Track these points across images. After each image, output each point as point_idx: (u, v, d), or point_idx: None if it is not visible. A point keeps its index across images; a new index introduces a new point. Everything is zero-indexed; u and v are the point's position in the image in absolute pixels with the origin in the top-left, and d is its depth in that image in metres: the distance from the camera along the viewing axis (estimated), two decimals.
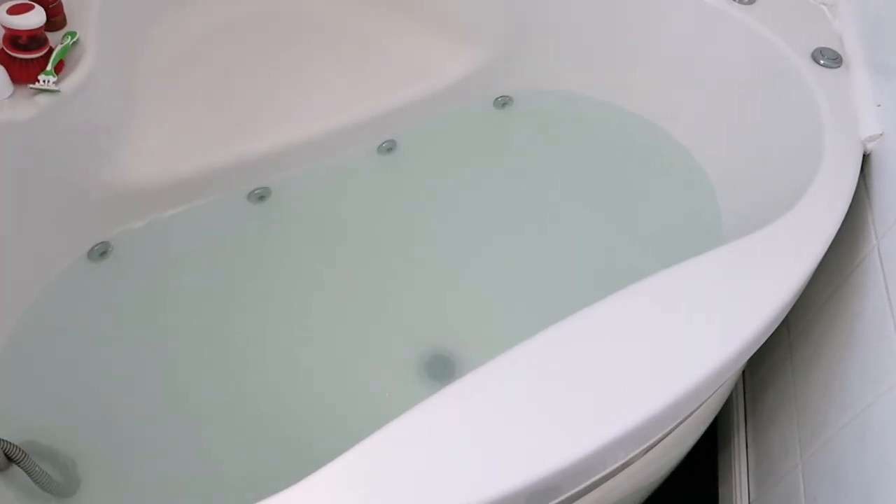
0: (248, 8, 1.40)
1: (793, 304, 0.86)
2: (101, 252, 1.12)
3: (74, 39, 1.02)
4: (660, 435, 0.80)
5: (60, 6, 1.03)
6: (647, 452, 0.90)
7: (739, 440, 1.22)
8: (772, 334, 0.86)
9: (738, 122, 1.23)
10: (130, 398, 1.02)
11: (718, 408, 1.11)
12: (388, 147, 1.30)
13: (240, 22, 1.38)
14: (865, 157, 1.00)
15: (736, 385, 1.28)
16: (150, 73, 1.23)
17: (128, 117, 1.14)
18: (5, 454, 0.84)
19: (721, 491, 1.24)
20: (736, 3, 1.20)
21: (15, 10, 0.93)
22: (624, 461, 0.78)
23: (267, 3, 1.41)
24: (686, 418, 0.90)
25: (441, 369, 1.07)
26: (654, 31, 1.30)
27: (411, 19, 1.40)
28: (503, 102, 1.40)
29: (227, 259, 1.16)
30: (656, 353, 0.75)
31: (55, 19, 1.02)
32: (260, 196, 1.22)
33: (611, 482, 0.88)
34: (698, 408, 0.91)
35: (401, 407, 0.69)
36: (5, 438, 0.85)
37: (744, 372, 1.29)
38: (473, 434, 0.68)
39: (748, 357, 0.85)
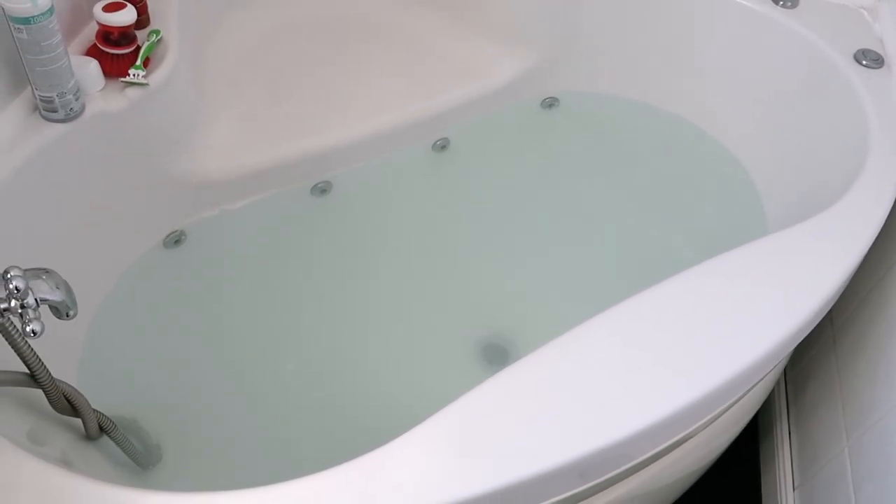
0: (307, 10, 1.46)
1: (839, 294, 0.90)
2: (175, 240, 1.18)
3: (159, 37, 1.08)
4: (706, 419, 0.84)
5: (146, 5, 1.10)
6: (693, 437, 0.94)
7: (782, 428, 1.25)
8: (815, 326, 0.89)
9: (782, 123, 1.28)
10: (204, 377, 1.07)
11: (764, 397, 1.14)
12: (442, 144, 1.36)
13: (300, 23, 1.44)
14: None
15: (778, 376, 1.32)
16: (219, 71, 1.30)
17: (201, 112, 1.21)
18: (98, 425, 0.89)
19: (764, 478, 1.27)
20: (779, 8, 1.25)
21: (109, 9, 1.00)
22: (671, 443, 0.82)
23: (325, 6, 1.48)
24: (732, 405, 0.94)
25: (497, 355, 1.12)
26: (699, 35, 1.35)
27: (463, 22, 1.46)
28: (550, 104, 1.45)
29: (291, 248, 1.21)
30: (703, 339, 0.79)
31: (141, 18, 1.08)
32: (322, 189, 1.28)
33: (657, 465, 0.92)
34: (744, 395, 0.95)
35: (459, 389, 0.74)
36: (98, 410, 0.90)
37: (785, 364, 1.33)
38: (540, 406, 0.73)
39: (794, 346, 0.89)
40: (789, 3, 1.25)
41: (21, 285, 0.59)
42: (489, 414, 0.72)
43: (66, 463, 0.78)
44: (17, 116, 0.95)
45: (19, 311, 0.60)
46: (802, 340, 1.02)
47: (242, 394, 1.06)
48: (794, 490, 1.17)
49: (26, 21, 0.85)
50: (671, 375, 0.76)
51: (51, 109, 0.94)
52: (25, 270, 0.62)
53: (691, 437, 0.92)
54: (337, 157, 1.28)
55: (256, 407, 1.05)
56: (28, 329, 0.60)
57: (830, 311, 1.17)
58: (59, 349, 1.01)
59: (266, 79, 1.33)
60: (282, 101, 1.30)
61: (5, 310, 0.60)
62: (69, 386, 0.81)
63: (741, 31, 1.30)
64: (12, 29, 0.86)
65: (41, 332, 0.61)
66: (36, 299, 0.61)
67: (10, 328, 0.70)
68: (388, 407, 1.06)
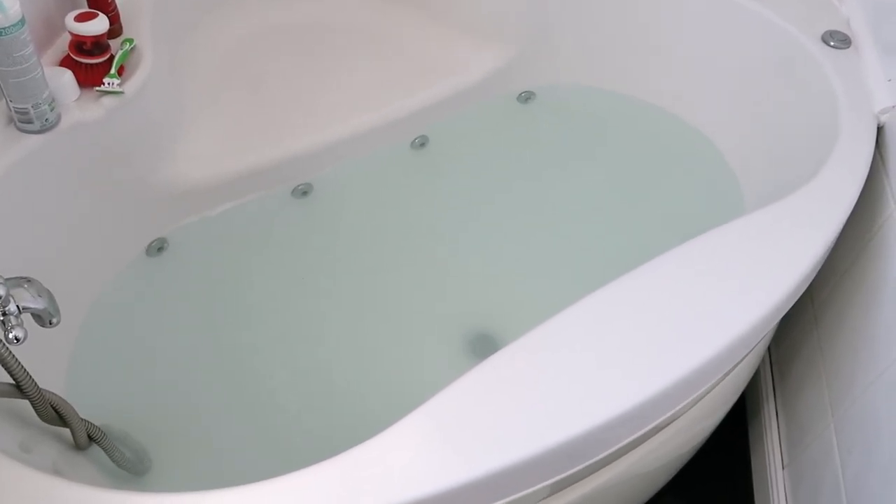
0: (281, 15, 1.47)
1: (816, 271, 0.91)
2: (158, 248, 1.18)
3: (132, 45, 1.08)
4: (691, 399, 0.86)
5: (118, 15, 1.09)
6: (679, 418, 0.95)
7: (769, 409, 1.27)
8: (796, 306, 0.91)
9: (754, 106, 1.29)
10: (192, 382, 1.07)
11: (747, 379, 1.16)
12: (421, 142, 1.37)
13: (275, 28, 1.45)
14: (880, 130, 1.06)
15: (763, 357, 1.33)
16: (195, 77, 1.30)
17: (179, 119, 1.21)
18: (87, 434, 0.89)
19: (753, 459, 1.29)
20: None
21: (81, 18, 1.00)
22: (657, 424, 0.83)
23: (300, 11, 1.48)
24: (714, 385, 0.95)
25: (484, 346, 1.13)
26: (669, 23, 1.37)
27: (436, 20, 1.47)
28: (526, 97, 1.46)
29: (274, 251, 1.22)
30: (684, 319, 0.80)
31: (114, 27, 1.08)
32: (303, 192, 1.28)
33: (645, 447, 0.93)
34: (726, 376, 0.96)
35: (447, 381, 0.75)
36: (86, 419, 0.90)
37: (769, 346, 1.35)
38: (525, 393, 0.74)
39: (774, 323, 0.90)
40: None
41: (2, 293, 0.59)
42: (475, 403, 0.73)
43: (56, 472, 0.78)
44: None
45: (0, 318, 0.60)
46: (785, 321, 1.03)
47: (231, 399, 1.06)
48: (783, 469, 1.19)
49: None
50: (653, 357, 0.77)
51: (26, 121, 0.94)
52: (7, 279, 0.62)
53: (678, 417, 0.93)
54: (317, 158, 1.28)
55: (245, 411, 1.05)
56: (10, 336, 0.60)
57: (810, 291, 1.19)
58: (46, 360, 1.00)
59: (243, 83, 1.33)
60: (259, 105, 1.30)
61: None
62: (56, 396, 0.81)
63: (710, 18, 1.31)
64: None
65: (24, 339, 0.61)
66: (18, 307, 0.62)
67: None
68: (377, 402, 1.07)
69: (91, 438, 0.91)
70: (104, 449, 0.91)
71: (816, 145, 1.12)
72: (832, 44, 1.16)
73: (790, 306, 0.88)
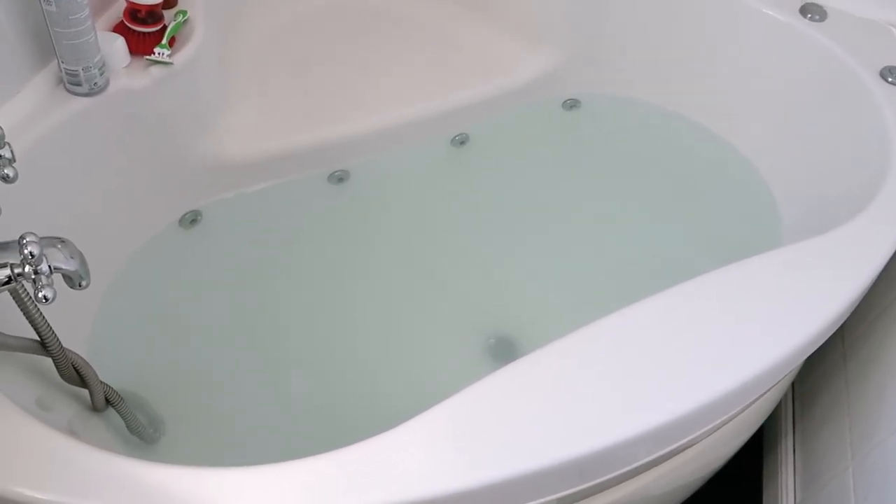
0: (332, 0, 1.47)
1: (850, 311, 0.89)
2: (191, 220, 1.19)
3: (185, 17, 1.09)
4: (708, 428, 0.84)
5: None
6: (694, 445, 0.94)
7: (787, 444, 1.25)
8: (826, 343, 0.89)
9: (802, 135, 1.27)
10: (214, 355, 1.08)
11: (769, 411, 1.14)
12: (461, 140, 1.36)
13: (325, 11, 1.45)
14: None
15: (786, 391, 1.31)
16: (242, 55, 1.31)
17: (223, 95, 1.21)
18: (105, 397, 0.90)
19: (765, 493, 1.27)
20: (806, 20, 1.25)
21: None
22: (672, 449, 0.82)
23: None
24: (735, 415, 0.94)
25: (505, 351, 1.12)
26: (724, 44, 1.34)
27: (486, 18, 1.46)
28: (571, 105, 1.45)
29: (305, 234, 1.22)
30: (712, 346, 0.78)
31: None
32: (339, 178, 1.28)
33: (657, 470, 0.91)
34: (748, 407, 0.95)
35: (465, 382, 0.74)
36: (106, 382, 0.91)
37: (794, 380, 1.32)
38: (541, 404, 0.73)
39: (801, 360, 0.88)
40: (817, 17, 1.24)
41: (35, 251, 0.60)
42: (490, 408, 0.72)
43: (71, 432, 0.79)
44: (42, 88, 0.96)
45: (32, 276, 0.61)
46: (812, 356, 1.01)
47: (250, 375, 1.07)
48: None
49: None
50: (675, 381, 0.75)
51: (75, 83, 0.95)
52: (41, 238, 0.63)
53: (693, 444, 0.92)
54: (355, 146, 1.28)
55: (263, 389, 1.06)
56: (40, 295, 0.61)
57: (842, 329, 1.16)
58: (70, 322, 1.02)
59: (289, 65, 1.34)
60: (303, 88, 1.31)
61: (19, 275, 0.61)
62: (78, 356, 0.83)
63: (767, 42, 1.29)
64: (41, 2, 0.87)
65: (53, 299, 0.61)
66: (50, 266, 0.62)
67: (22, 294, 0.71)
68: (395, 395, 1.07)
69: (108, 402, 0.92)
70: (120, 413, 0.93)
71: (863, 181, 1.09)
72: (890, 80, 1.13)
73: (821, 343, 0.86)
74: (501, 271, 1.21)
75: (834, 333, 0.89)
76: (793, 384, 1.31)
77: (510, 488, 0.70)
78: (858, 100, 1.15)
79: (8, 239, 0.66)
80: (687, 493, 1.16)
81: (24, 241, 0.60)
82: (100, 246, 1.03)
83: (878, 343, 1.05)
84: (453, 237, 1.25)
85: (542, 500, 0.75)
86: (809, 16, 1.25)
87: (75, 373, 0.83)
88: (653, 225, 1.29)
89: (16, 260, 0.62)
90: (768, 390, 0.92)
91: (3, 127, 0.67)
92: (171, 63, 1.03)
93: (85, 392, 0.87)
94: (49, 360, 0.80)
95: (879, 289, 1.09)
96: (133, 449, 0.95)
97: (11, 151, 0.67)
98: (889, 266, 0.96)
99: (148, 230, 1.16)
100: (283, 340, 1.11)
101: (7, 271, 0.62)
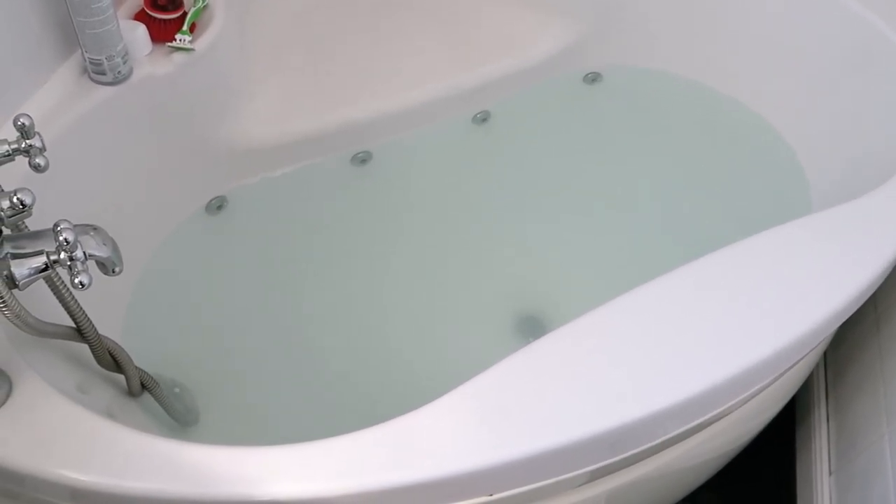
0: None
1: (883, 278, 0.88)
2: (217, 206, 1.20)
3: (205, 3, 1.09)
4: (741, 398, 0.84)
5: None
6: (727, 416, 0.93)
7: (820, 413, 1.24)
8: (858, 310, 0.88)
9: (831, 101, 1.24)
10: (245, 338, 1.09)
11: (802, 380, 1.13)
12: (483, 117, 1.35)
13: None
14: None
15: (817, 360, 1.30)
16: (262, 39, 1.31)
17: (244, 79, 1.22)
18: (141, 382, 0.92)
19: (799, 463, 1.26)
20: None
21: None
22: (704, 420, 0.81)
23: None
24: (768, 385, 0.93)
25: (533, 327, 1.12)
26: (747, 10, 1.32)
27: None
28: (592, 78, 1.43)
29: (331, 216, 1.23)
30: (743, 315, 0.78)
31: None
32: (362, 159, 1.28)
33: (690, 441, 0.91)
34: (781, 376, 0.94)
35: (493, 358, 0.74)
36: (141, 367, 0.92)
37: (826, 349, 1.31)
38: (573, 377, 0.73)
39: (834, 328, 0.87)
40: None
41: (70, 238, 0.60)
42: (521, 383, 0.72)
43: (109, 416, 0.81)
44: (67, 78, 0.97)
45: (68, 263, 0.62)
46: (844, 324, 1.00)
47: (282, 358, 1.08)
48: (830, 475, 1.16)
49: None
50: (705, 352, 0.75)
51: (99, 72, 0.96)
52: (75, 226, 0.64)
53: (726, 415, 0.91)
54: (377, 127, 1.28)
55: (293, 372, 1.07)
56: (76, 281, 0.62)
57: (874, 296, 1.15)
58: (104, 310, 1.03)
59: (308, 48, 1.34)
60: (323, 70, 1.31)
61: (55, 262, 0.62)
62: (113, 342, 0.84)
63: (792, 7, 1.26)
64: None
65: (89, 285, 0.62)
66: (84, 253, 0.63)
67: (58, 282, 0.72)
68: (423, 375, 1.07)
69: (144, 387, 0.93)
70: (156, 397, 0.94)
71: (893, 145, 1.07)
72: None
73: (854, 309, 0.85)
74: (528, 249, 1.21)
75: (867, 300, 0.88)
76: (825, 352, 1.30)
77: (542, 462, 0.70)
78: (887, 62, 1.13)
79: (40, 228, 0.68)
80: (721, 464, 1.16)
81: (59, 229, 0.60)
82: (129, 234, 1.04)
83: None
84: (478, 215, 1.25)
85: (575, 472, 0.76)
86: None
87: (111, 358, 0.84)
88: (681, 197, 1.28)
89: (51, 247, 0.63)
90: (801, 359, 0.91)
91: (32, 116, 0.67)
92: (193, 49, 1.03)
93: (121, 377, 0.89)
94: (86, 347, 0.82)
95: None
96: (169, 432, 0.97)
97: (42, 141, 0.68)
98: None
99: (175, 217, 1.17)
100: (312, 323, 1.12)
101: (43, 258, 0.63)
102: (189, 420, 1.00)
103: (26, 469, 0.67)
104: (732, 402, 0.82)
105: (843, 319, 0.85)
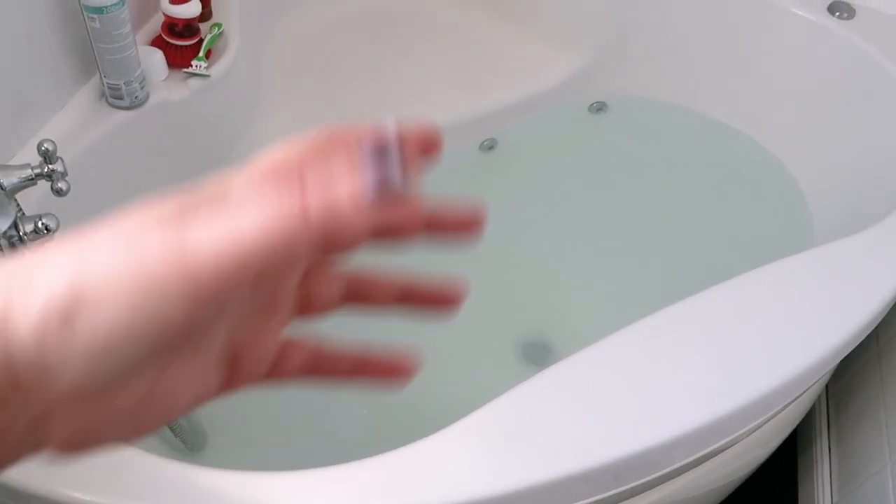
0: (362, 6, 1.48)
1: (886, 311, 0.89)
2: None
3: (220, 30, 1.11)
4: (744, 430, 0.84)
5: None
6: (730, 448, 0.94)
7: (822, 444, 1.24)
8: (859, 343, 0.89)
9: (835, 135, 1.26)
10: None
11: (804, 412, 1.13)
12: (490, 145, 1.37)
13: (354, 20, 1.46)
14: None
15: (819, 391, 1.30)
16: (276, 65, 1.33)
17: (258, 104, 1.24)
18: None
19: (801, 493, 1.26)
20: (835, 18, 1.24)
21: (176, 1, 1.03)
22: (707, 452, 0.82)
23: (378, 3, 1.50)
24: (772, 416, 0.94)
25: (539, 355, 1.13)
26: (752, 44, 1.34)
27: (512, 22, 1.46)
28: (598, 108, 1.45)
29: None
30: (748, 347, 0.79)
31: (204, 11, 1.11)
32: None
33: (693, 473, 0.91)
34: (784, 408, 0.95)
35: (500, 386, 0.75)
36: None
37: (828, 380, 1.31)
38: (580, 407, 0.74)
39: (837, 362, 0.88)
40: (846, 15, 1.24)
41: None
42: (529, 412, 0.73)
43: None
44: (85, 102, 0.99)
45: None
46: (846, 356, 1.01)
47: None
48: None
49: (100, 10, 0.88)
50: (710, 384, 0.76)
51: (117, 97, 0.98)
52: None
53: (728, 447, 0.92)
54: None
55: (305, 397, 1.07)
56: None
57: (876, 328, 1.15)
58: None
59: (320, 73, 1.36)
60: (335, 96, 1.33)
61: None
62: None
63: (795, 41, 1.29)
64: (86, 18, 0.90)
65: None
66: None
67: None
68: (432, 400, 1.08)
69: None
70: None
71: (894, 175, 1.09)
72: None
73: (857, 343, 0.86)
74: (534, 276, 1.22)
75: (869, 333, 0.89)
76: (827, 384, 1.31)
77: (546, 492, 0.71)
78: (889, 97, 1.15)
79: None
80: (722, 496, 1.16)
81: None
82: None
83: None
84: (484, 243, 1.23)
85: (579, 503, 0.76)
86: (838, 14, 1.24)
87: None
88: (685, 229, 1.29)
89: None
90: (804, 392, 0.92)
91: (55, 142, 0.69)
92: (209, 75, 1.05)
93: None
94: None
95: None
96: (176, 454, 0.97)
97: (64, 165, 0.70)
98: None
99: None
100: None
101: None
102: (197, 443, 1.01)
103: (33, 489, 0.67)
104: (736, 434, 0.83)
105: (845, 354, 0.85)
